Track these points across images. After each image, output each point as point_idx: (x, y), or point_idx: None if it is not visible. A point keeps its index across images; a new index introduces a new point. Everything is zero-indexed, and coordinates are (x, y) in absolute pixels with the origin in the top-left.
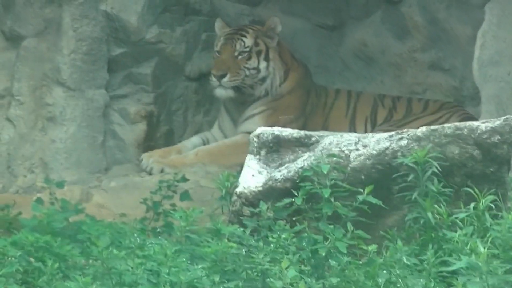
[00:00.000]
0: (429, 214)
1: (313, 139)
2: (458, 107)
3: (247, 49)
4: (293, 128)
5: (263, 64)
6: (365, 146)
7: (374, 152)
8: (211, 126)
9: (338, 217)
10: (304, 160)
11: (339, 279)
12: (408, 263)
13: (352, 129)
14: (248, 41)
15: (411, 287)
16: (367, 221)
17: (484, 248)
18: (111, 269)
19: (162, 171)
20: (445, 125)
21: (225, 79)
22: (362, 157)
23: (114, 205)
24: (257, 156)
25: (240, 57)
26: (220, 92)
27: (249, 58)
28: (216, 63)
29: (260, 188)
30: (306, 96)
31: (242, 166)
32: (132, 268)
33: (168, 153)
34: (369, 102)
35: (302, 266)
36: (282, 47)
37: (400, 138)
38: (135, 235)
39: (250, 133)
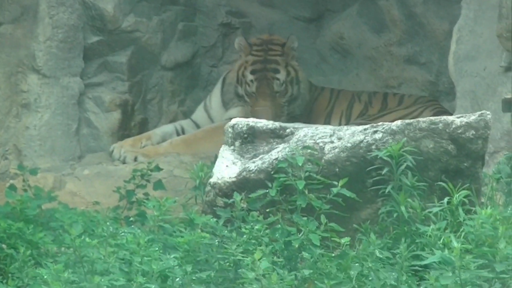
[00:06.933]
0: (403, 208)
1: (288, 130)
2: (433, 101)
3: (284, 85)
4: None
5: (295, 89)
6: (339, 138)
7: (349, 145)
8: (186, 116)
9: (312, 209)
10: (279, 151)
11: (311, 271)
12: (381, 256)
13: (327, 122)
14: (282, 75)
15: (383, 280)
16: (340, 213)
17: (457, 243)
18: (83, 257)
19: (135, 159)
20: (420, 119)
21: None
22: (337, 150)
23: (87, 193)
24: (232, 147)
25: (278, 95)
26: None
27: (286, 92)
28: (257, 109)
29: (234, 179)
30: None
31: (216, 156)
32: (104, 256)
33: (138, 141)
34: (347, 98)
35: (275, 258)
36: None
37: (375, 132)
38: (108, 223)
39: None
